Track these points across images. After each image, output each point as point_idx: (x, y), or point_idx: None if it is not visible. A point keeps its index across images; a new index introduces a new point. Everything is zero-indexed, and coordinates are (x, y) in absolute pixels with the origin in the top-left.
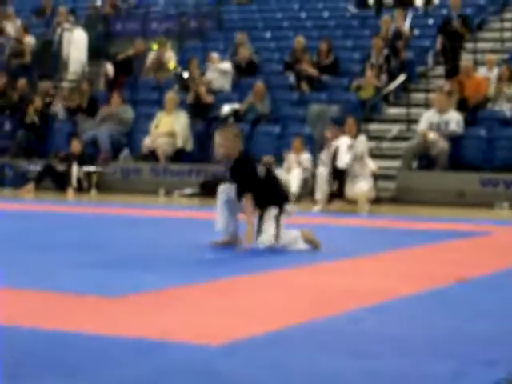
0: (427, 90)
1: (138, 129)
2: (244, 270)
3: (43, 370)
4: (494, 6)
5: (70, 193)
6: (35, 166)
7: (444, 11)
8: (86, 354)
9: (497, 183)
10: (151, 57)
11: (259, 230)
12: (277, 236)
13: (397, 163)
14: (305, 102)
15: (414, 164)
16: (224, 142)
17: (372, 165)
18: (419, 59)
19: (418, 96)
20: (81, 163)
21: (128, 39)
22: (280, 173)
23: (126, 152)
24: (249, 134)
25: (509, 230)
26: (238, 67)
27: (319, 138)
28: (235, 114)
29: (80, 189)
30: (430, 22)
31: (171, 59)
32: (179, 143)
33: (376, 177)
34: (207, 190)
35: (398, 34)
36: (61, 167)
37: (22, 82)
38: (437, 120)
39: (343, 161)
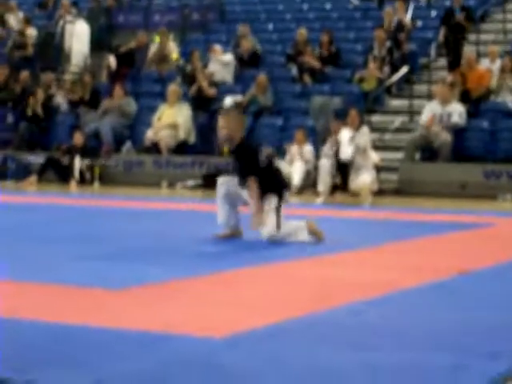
0: (430, 82)
1: (140, 121)
2: (246, 262)
3: (46, 363)
4: None
5: (73, 185)
6: (38, 159)
7: (447, 3)
8: (89, 347)
9: (500, 175)
10: (153, 49)
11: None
12: (277, 226)
13: (399, 155)
14: (307, 94)
15: (417, 156)
16: (227, 124)
17: (375, 157)
18: (422, 51)
19: (421, 88)
20: (83, 155)
21: (130, 31)
22: (282, 165)
23: (128, 144)
24: (251, 127)
25: (511, 221)
26: (240, 59)
27: (322, 130)
28: (237, 106)
29: (82, 181)
30: (433, 13)
31: (174, 51)
32: (182, 135)
33: (379, 169)
34: (210, 182)
35: (400, 26)
36: (63, 160)
37: (24, 75)
38: (439, 112)
39: (345, 153)
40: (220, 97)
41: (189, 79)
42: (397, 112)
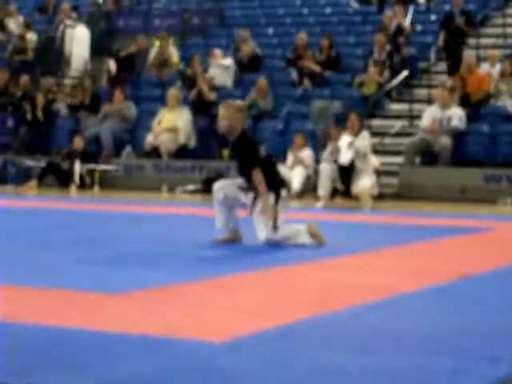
0: (430, 86)
1: (140, 125)
2: (246, 266)
3: (46, 367)
4: (496, 2)
5: (73, 190)
6: (38, 163)
7: (446, 7)
8: (90, 351)
9: (500, 179)
10: (153, 53)
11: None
12: (275, 226)
13: (399, 159)
14: (307, 98)
15: (417, 160)
16: (228, 114)
17: (375, 161)
18: (422, 55)
19: (421, 92)
20: (83, 160)
21: (130, 36)
22: (283, 170)
23: (128, 149)
24: (251, 131)
25: (511, 225)
26: (240, 63)
27: (321, 135)
28: None
29: (83, 185)
30: (433, 17)
31: (174, 55)
32: (182, 140)
33: (379, 173)
34: (210, 187)
35: (399, 30)
36: (63, 164)
37: (24, 79)
38: (439, 116)
39: (344, 158)
40: (220, 101)
41: (189, 83)
42: (397, 116)
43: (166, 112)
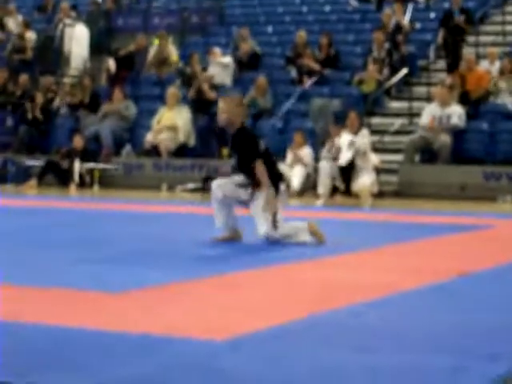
0: (429, 84)
1: (140, 124)
2: (247, 264)
3: (46, 366)
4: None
5: (73, 188)
6: (37, 162)
7: (446, 5)
8: (90, 350)
9: (499, 176)
10: (153, 52)
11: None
12: (274, 222)
13: (399, 157)
14: (307, 96)
15: (417, 158)
16: (227, 108)
17: (374, 159)
18: (421, 53)
19: (420, 90)
20: (83, 159)
21: (130, 34)
22: (282, 168)
23: (128, 147)
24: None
25: (511, 223)
26: (239, 62)
27: (321, 133)
28: None
29: (82, 184)
30: (432, 15)
31: (173, 54)
32: (181, 138)
33: (378, 171)
34: (209, 185)
35: (398, 28)
36: (63, 163)
37: (23, 78)
38: (439, 114)
39: (345, 158)
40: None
41: (188, 82)
42: (396, 114)
43: (165, 111)
